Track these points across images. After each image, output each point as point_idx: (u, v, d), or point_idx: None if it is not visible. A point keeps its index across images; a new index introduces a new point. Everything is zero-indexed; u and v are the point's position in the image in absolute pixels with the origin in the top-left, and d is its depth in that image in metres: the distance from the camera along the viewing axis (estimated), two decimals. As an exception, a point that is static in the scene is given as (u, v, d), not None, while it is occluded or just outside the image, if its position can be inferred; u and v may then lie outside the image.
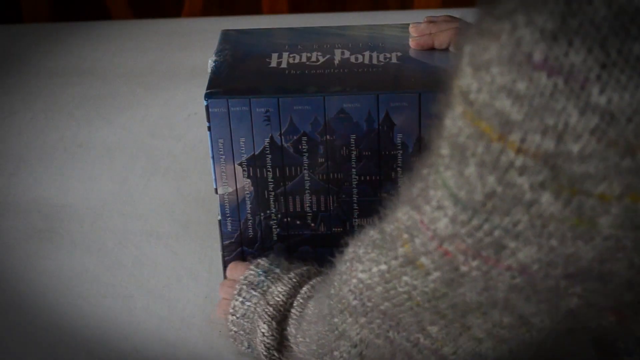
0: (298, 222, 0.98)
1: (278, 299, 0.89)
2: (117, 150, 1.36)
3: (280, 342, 0.88)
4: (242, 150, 0.94)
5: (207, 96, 0.92)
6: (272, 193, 0.96)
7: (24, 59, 1.68)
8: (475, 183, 0.54)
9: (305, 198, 0.96)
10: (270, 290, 0.90)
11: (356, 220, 0.97)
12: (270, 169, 0.95)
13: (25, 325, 1.01)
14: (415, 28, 1.01)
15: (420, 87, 0.92)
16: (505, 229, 0.54)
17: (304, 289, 0.88)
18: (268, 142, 0.93)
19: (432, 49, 0.99)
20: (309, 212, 0.97)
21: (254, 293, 0.91)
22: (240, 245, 0.99)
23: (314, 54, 1.00)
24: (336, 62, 0.98)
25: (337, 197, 0.96)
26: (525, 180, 0.52)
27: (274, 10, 1.87)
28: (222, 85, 0.94)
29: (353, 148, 0.93)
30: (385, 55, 0.99)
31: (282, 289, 0.89)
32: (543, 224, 0.53)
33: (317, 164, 0.94)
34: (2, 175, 1.31)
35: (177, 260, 1.11)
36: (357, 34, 1.05)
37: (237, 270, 0.97)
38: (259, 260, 0.94)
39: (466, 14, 1.14)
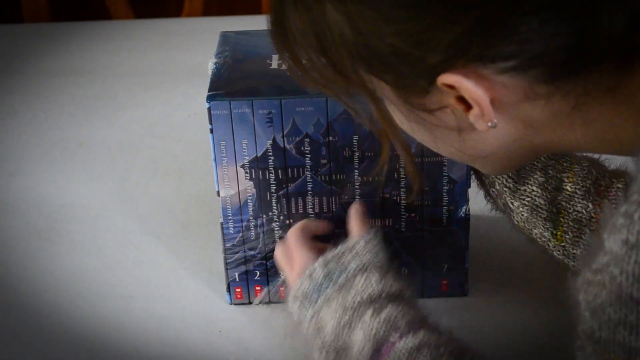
0: (299, 224, 0.98)
1: (329, 336, 0.85)
2: (117, 150, 1.36)
3: None
4: (244, 152, 0.94)
5: (210, 98, 0.92)
6: (275, 195, 0.96)
7: (24, 59, 1.68)
8: None
9: (307, 200, 0.96)
10: (322, 315, 0.87)
11: (358, 221, 0.97)
12: (272, 171, 0.95)
13: (26, 325, 1.01)
14: None
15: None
16: None
17: (359, 339, 0.84)
18: (270, 144, 0.93)
19: None
20: (312, 214, 0.97)
21: (307, 312, 0.88)
22: (242, 248, 0.99)
23: (315, 54, 1.00)
24: (338, 63, 0.98)
25: (339, 198, 0.96)
26: None
27: (274, 11, 1.87)
28: (223, 87, 0.93)
29: (356, 149, 0.93)
30: (386, 56, 0.99)
31: (331, 323, 0.85)
32: None
33: (320, 165, 0.94)
34: (2, 175, 1.31)
35: (177, 260, 1.11)
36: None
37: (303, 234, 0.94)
38: (316, 267, 0.88)
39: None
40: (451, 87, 0.65)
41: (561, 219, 0.94)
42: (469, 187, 0.96)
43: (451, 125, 0.69)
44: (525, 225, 0.96)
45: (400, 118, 0.73)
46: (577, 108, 0.67)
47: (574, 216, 0.93)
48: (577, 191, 0.93)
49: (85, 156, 1.35)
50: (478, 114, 0.66)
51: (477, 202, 1.01)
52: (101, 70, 1.62)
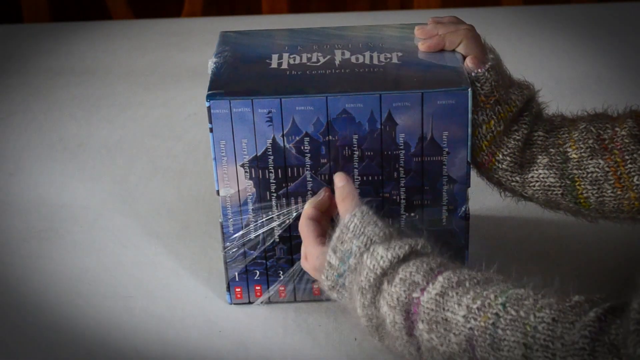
0: (300, 223, 0.98)
1: (362, 319, 0.85)
2: (117, 150, 1.36)
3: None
4: (244, 151, 0.94)
5: (209, 97, 0.92)
6: (274, 194, 0.96)
7: (24, 59, 1.68)
8: None
9: (307, 199, 0.96)
10: (353, 297, 0.86)
11: (358, 221, 0.97)
12: (272, 170, 0.95)
13: (26, 325, 1.01)
14: (422, 30, 1.00)
15: (422, 86, 0.92)
16: None
17: (387, 311, 0.83)
18: (270, 143, 0.93)
19: (441, 50, 0.99)
20: (310, 213, 0.97)
21: (344, 294, 0.87)
22: (242, 247, 0.99)
23: (314, 54, 1.00)
24: (337, 62, 0.98)
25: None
26: None
27: (274, 10, 1.88)
28: (223, 87, 0.93)
29: (355, 148, 0.93)
30: (385, 55, 0.99)
31: (358, 306, 0.85)
32: None
33: (320, 164, 0.94)
34: (2, 175, 1.31)
35: (177, 260, 1.11)
36: (356, 35, 1.04)
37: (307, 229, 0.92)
38: (329, 259, 0.87)
39: (466, 14, 1.14)
40: None
41: (578, 187, 0.95)
42: (469, 186, 0.96)
43: None
44: (549, 205, 0.97)
45: None
46: None
47: (590, 178, 0.94)
48: (583, 154, 0.95)
49: (85, 156, 1.35)
50: None
51: (477, 202, 1.01)
52: (101, 70, 1.62)
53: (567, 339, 0.71)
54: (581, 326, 0.71)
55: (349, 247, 0.87)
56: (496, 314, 0.76)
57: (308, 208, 0.93)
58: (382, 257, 0.84)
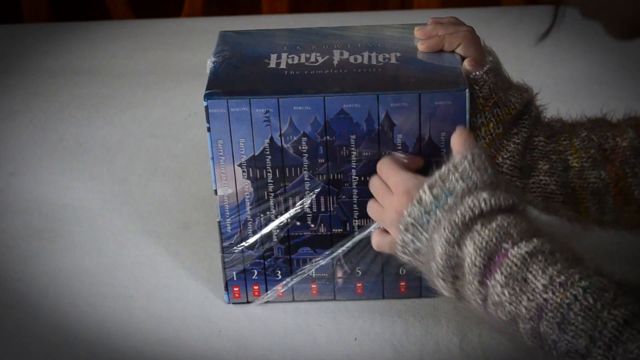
0: (298, 224, 0.98)
1: (440, 257, 0.82)
2: (117, 150, 1.37)
3: (458, 294, 0.83)
4: (242, 151, 0.94)
5: (207, 97, 0.92)
6: (272, 194, 0.96)
7: (24, 59, 1.68)
8: None
9: (305, 199, 0.96)
10: (434, 238, 0.83)
11: (356, 221, 0.97)
12: (270, 170, 0.95)
13: (25, 325, 1.01)
14: (422, 31, 1.00)
15: (420, 87, 0.92)
16: None
17: (471, 251, 0.80)
18: (268, 143, 0.93)
19: (440, 50, 0.99)
20: (309, 213, 0.97)
21: (422, 236, 0.85)
22: (240, 247, 0.99)
23: (313, 54, 1.00)
24: (335, 62, 0.98)
25: (337, 197, 0.96)
26: None
27: (273, 10, 1.88)
28: (221, 86, 0.94)
29: (353, 148, 0.94)
30: (384, 55, 0.99)
31: (440, 242, 0.82)
32: None
33: (317, 164, 0.94)
34: (2, 175, 1.31)
35: (177, 260, 1.11)
36: (355, 35, 1.05)
37: (390, 173, 0.90)
38: (421, 194, 0.85)
39: (466, 14, 1.14)
40: None
41: (578, 196, 0.95)
42: (467, 186, 0.96)
43: None
44: (547, 211, 0.97)
45: None
46: None
47: (591, 188, 0.94)
48: (584, 164, 0.94)
49: (85, 156, 1.35)
50: None
51: (475, 201, 1.01)
52: (101, 70, 1.62)
53: (629, 347, 0.70)
54: None
55: (452, 187, 0.84)
56: (575, 295, 0.74)
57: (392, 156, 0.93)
58: (485, 200, 0.82)
